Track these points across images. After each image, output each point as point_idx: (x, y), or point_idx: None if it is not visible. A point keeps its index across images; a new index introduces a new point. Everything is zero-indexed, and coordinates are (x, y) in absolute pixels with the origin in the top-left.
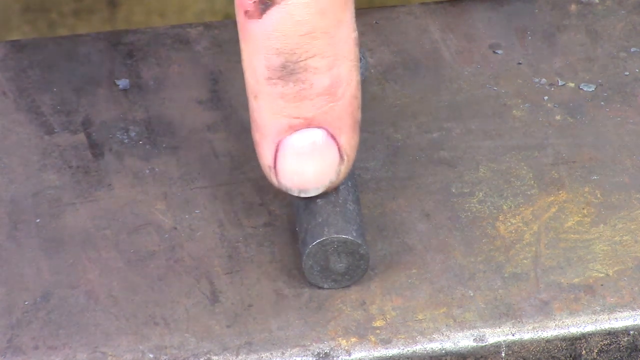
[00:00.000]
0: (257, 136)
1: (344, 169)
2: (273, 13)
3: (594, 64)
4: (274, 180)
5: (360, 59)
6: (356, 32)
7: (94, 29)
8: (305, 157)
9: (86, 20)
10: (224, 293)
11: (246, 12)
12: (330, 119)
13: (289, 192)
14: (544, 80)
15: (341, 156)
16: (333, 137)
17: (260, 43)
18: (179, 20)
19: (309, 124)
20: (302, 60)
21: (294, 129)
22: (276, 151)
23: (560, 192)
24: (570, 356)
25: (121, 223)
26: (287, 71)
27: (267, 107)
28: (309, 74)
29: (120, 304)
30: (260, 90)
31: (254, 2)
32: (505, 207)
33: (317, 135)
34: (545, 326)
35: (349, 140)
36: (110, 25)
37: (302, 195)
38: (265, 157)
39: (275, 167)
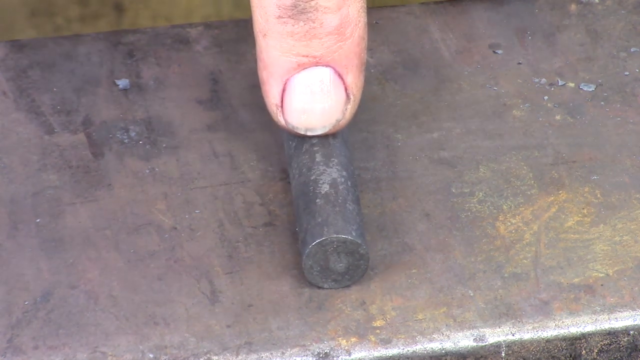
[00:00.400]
0: (264, 75)
1: (350, 108)
2: None
3: (594, 64)
4: (280, 119)
5: None
6: None
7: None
8: (312, 95)
9: (92, 25)
10: (224, 293)
11: None
12: (338, 58)
13: (296, 131)
14: (544, 80)
15: (347, 95)
16: (340, 76)
17: None
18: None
19: (317, 63)
20: (313, 0)
21: (302, 67)
22: (283, 90)
23: (560, 192)
24: (570, 356)
25: (121, 223)
26: (298, 10)
27: (276, 46)
28: (319, 13)
29: (120, 304)
30: (269, 28)
31: None
32: (505, 207)
33: (324, 74)
34: (545, 326)
35: (355, 80)
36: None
37: (309, 133)
38: (273, 95)
39: (282, 105)
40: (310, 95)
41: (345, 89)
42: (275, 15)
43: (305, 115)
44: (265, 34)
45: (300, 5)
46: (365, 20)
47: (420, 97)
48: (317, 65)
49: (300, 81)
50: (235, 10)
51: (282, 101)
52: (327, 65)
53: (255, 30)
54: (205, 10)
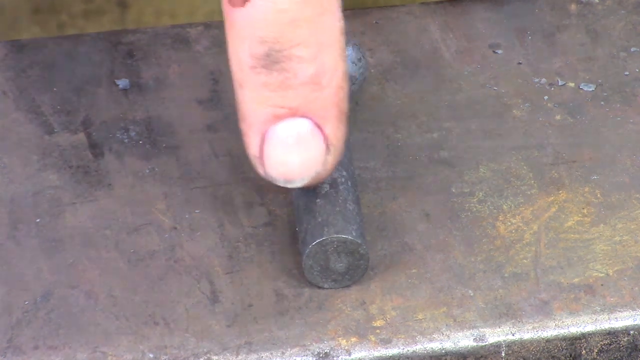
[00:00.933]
0: (243, 126)
1: (331, 159)
2: (256, 1)
3: (594, 64)
4: (260, 170)
5: (360, 58)
6: (342, 21)
7: (103, 30)
8: (290, 148)
9: (96, 22)
10: (224, 293)
11: (230, 1)
12: (315, 108)
13: (276, 183)
14: (544, 80)
15: (327, 146)
16: (319, 127)
17: (244, 31)
18: (189, 20)
19: (293, 114)
20: (285, 49)
21: (278, 118)
22: (262, 141)
23: (560, 192)
24: (570, 356)
25: (121, 223)
26: (271, 60)
27: (251, 97)
28: (292, 63)
29: (120, 304)
30: (244, 79)
31: None
32: (505, 207)
33: (302, 125)
34: (545, 326)
35: (334, 130)
36: (120, 27)
37: (288, 185)
38: (252, 147)
39: (261, 157)
40: (288, 148)
41: (325, 140)
42: (249, 66)
43: (283, 167)
44: (241, 85)
45: (272, 55)
46: (344, 68)
47: (420, 97)
48: (294, 117)
49: (277, 133)
50: None
51: (261, 153)
52: (304, 116)
53: (233, 81)
54: (209, 6)
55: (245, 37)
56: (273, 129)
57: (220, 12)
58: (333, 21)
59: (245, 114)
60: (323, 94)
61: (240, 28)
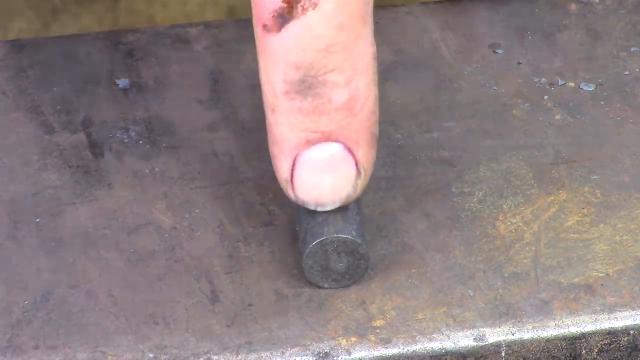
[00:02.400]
0: (274, 150)
1: (361, 183)
2: (292, 27)
3: (594, 63)
4: (290, 194)
5: None
6: (374, 46)
7: (96, 15)
8: (322, 171)
9: (88, 7)
10: (224, 293)
11: (264, 26)
12: (348, 133)
13: (306, 206)
14: (544, 80)
15: (358, 170)
16: (350, 151)
17: (278, 57)
18: (181, 10)
19: (326, 139)
20: (320, 75)
21: (311, 143)
22: (293, 165)
23: (560, 191)
24: (570, 356)
25: (121, 223)
26: (306, 86)
27: (284, 122)
28: (327, 89)
29: (120, 303)
30: (278, 104)
31: (273, 16)
32: (505, 206)
33: (334, 150)
34: (545, 326)
35: (366, 154)
36: (112, 13)
37: (319, 209)
38: (283, 170)
39: (292, 180)
40: (320, 171)
41: (356, 164)
42: (283, 91)
43: (315, 191)
44: (274, 110)
45: (307, 80)
46: (376, 93)
47: (420, 97)
48: (326, 141)
49: (309, 157)
50: None
51: (292, 176)
52: (336, 141)
53: (265, 106)
54: None
55: (279, 62)
56: (305, 153)
57: (212, 3)
58: (366, 47)
59: (277, 138)
60: (356, 119)
61: (274, 54)
